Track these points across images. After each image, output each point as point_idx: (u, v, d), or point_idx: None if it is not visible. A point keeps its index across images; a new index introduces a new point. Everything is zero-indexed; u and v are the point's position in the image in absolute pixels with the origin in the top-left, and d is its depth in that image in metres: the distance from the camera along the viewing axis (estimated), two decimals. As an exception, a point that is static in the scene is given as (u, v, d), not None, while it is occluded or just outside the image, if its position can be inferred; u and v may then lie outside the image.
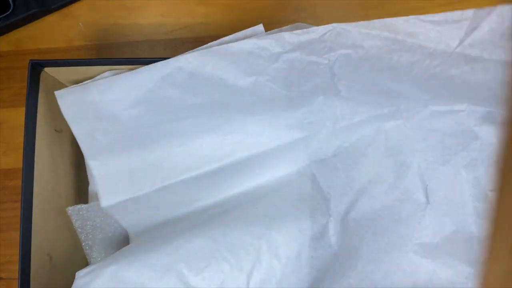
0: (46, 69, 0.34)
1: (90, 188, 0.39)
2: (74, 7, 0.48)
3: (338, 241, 0.36)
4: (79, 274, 0.31)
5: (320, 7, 0.48)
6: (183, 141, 0.36)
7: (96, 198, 0.38)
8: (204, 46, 0.32)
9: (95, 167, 0.35)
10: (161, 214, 0.38)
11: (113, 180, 0.36)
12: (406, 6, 0.48)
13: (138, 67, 0.35)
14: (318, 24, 0.47)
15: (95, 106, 0.33)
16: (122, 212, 0.37)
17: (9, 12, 0.45)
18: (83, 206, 0.37)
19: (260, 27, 0.32)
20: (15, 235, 0.45)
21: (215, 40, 0.33)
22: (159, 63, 0.32)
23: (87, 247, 0.38)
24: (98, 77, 0.34)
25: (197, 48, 0.32)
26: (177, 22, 0.48)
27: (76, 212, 0.37)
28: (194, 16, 0.48)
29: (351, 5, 0.48)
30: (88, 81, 0.33)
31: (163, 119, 0.35)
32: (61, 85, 0.37)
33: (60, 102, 0.33)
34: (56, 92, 0.33)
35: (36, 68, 0.34)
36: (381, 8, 0.48)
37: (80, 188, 0.40)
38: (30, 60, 0.33)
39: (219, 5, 0.48)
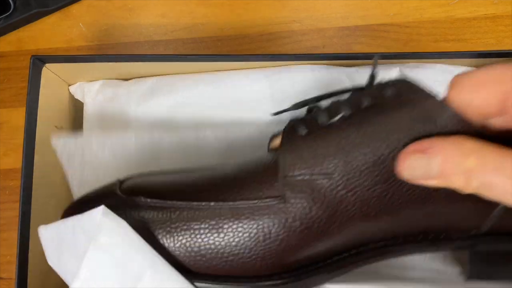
0: (48, 65, 0.34)
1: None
2: (74, 8, 0.48)
3: None
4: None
5: (320, 7, 0.48)
6: None
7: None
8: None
9: None
10: None
11: None
12: (406, 6, 0.48)
13: (137, 64, 0.35)
14: (317, 24, 0.47)
15: None
16: None
17: (9, 13, 0.45)
18: (70, 138, 0.33)
19: None
20: (16, 235, 0.45)
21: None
22: None
23: (74, 188, 0.33)
24: None
25: None
26: (177, 22, 0.48)
27: (61, 144, 0.32)
28: (194, 17, 0.48)
29: (350, 5, 0.48)
30: None
31: None
32: (62, 82, 0.37)
33: None
34: None
35: (37, 64, 0.34)
36: (381, 9, 0.48)
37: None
38: (32, 55, 0.33)
39: (219, 5, 0.48)
